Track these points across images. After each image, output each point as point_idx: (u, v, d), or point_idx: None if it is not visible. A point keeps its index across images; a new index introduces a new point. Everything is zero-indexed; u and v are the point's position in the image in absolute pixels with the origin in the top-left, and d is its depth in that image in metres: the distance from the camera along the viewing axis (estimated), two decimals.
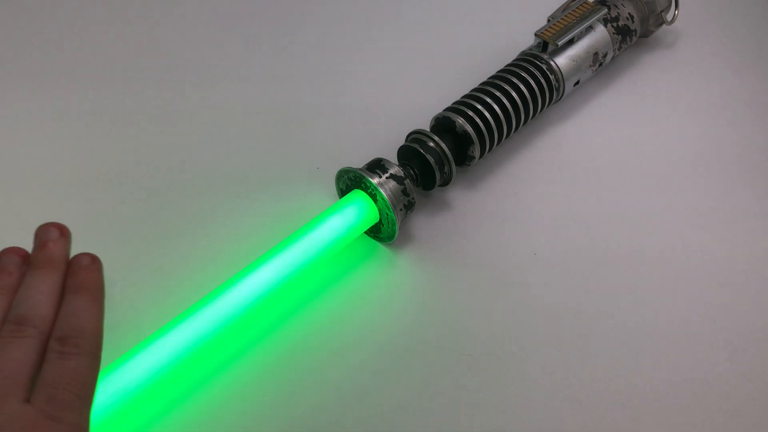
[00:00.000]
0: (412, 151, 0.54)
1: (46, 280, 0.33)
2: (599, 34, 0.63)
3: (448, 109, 0.57)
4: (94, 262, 0.35)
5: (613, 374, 0.47)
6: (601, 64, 0.65)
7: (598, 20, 0.63)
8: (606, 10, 0.63)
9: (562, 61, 0.61)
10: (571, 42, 0.62)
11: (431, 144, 0.54)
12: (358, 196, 0.52)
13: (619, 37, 0.65)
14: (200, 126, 0.64)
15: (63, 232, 0.35)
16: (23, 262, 0.35)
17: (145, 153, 0.61)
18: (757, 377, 0.47)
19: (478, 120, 0.55)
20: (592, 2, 0.63)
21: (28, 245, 0.54)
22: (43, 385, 0.30)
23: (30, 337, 0.31)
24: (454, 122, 0.56)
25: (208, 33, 0.73)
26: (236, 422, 0.45)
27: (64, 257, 0.35)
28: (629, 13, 0.66)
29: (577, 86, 0.64)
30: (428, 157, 0.54)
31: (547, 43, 0.60)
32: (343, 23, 0.75)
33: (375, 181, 0.51)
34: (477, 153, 0.56)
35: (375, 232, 0.55)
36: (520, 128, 0.60)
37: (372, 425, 0.45)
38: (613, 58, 0.66)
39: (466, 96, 0.58)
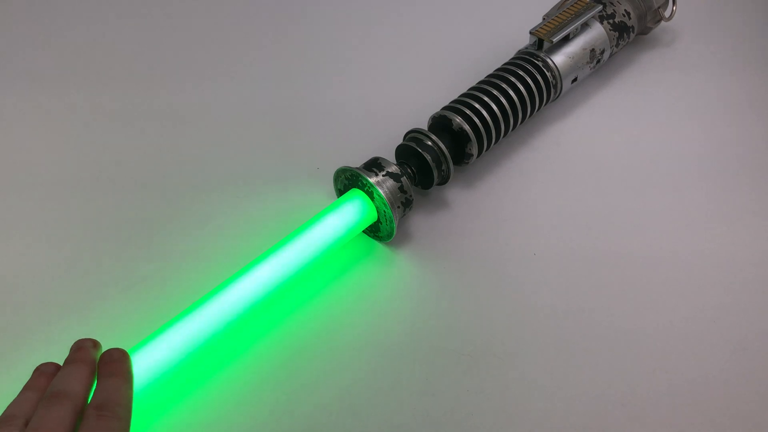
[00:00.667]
0: (410, 150, 0.54)
1: (78, 372, 0.38)
2: (596, 31, 0.63)
3: (445, 107, 0.57)
4: (123, 355, 0.40)
5: (613, 374, 0.47)
6: (598, 62, 0.64)
7: (594, 17, 0.63)
8: (601, 7, 0.63)
9: (558, 58, 0.61)
10: (567, 39, 0.61)
11: (429, 143, 0.54)
12: (355, 194, 0.52)
13: (616, 34, 0.65)
14: (200, 126, 0.64)
15: (95, 344, 0.41)
16: (58, 370, 0.39)
17: (145, 153, 0.61)
18: (757, 377, 0.47)
19: (475, 118, 0.55)
20: (588, 0, 0.63)
21: (29, 245, 0.54)
22: None
23: (64, 405, 0.35)
24: (451, 121, 0.55)
25: (208, 33, 0.73)
26: (235, 422, 0.45)
27: (95, 359, 0.40)
28: (625, 10, 0.66)
29: (575, 83, 0.64)
30: (426, 155, 0.53)
31: (542, 41, 0.60)
32: (342, 23, 0.75)
33: (372, 179, 0.50)
34: (475, 151, 0.56)
35: (373, 230, 0.54)
36: (518, 126, 0.60)
37: (372, 425, 0.44)
38: (611, 55, 0.66)
39: (463, 95, 0.58)
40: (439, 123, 0.57)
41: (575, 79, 0.63)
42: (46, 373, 0.39)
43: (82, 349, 0.40)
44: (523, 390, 0.46)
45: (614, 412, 0.45)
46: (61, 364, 0.40)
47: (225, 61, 0.70)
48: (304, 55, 0.71)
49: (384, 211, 0.51)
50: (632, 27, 0.67)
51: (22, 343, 0.48)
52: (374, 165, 0.52)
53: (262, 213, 0.56)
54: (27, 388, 0.38)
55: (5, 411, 0.36)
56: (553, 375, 0.47)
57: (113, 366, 0.39)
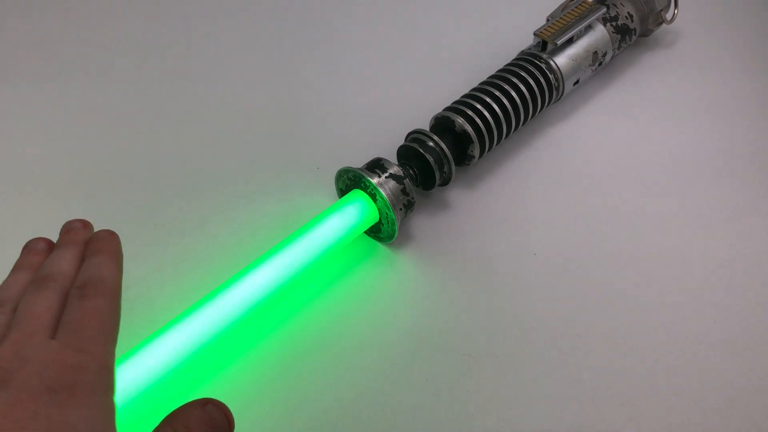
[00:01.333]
0: (412, 151, 0.54)
1: (68, 253, 0.36)
2: (598, 34, 0.63)
3: (447, 108, 0.57)
4: (111, 234, 0.38)
5: (613, 374, 0.47)
6: (600, 64, 0.65)
7: (597, 19, 0.63)
8: (605, 10, 0.63)
9: (561, 60, 0.61)
10: (570, 41, 0.62)
11: (431, 143, 0.54)
12: (357, 195, 0.52)
13: (619, 36, 0.65)
14: (200, 126, 0.64)
15: (86, 224, 0.38)
16: (49, 247, 0.37)
17: (145, 153, 0.61)
18: (757, 377, 0.47)
19: (477, 119, 0.55)
20: (591, 1, 0.63)
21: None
22: (65, 323, 0.31)
23: (52, 289, 0.32)
24: (453, 122, 0.55)
25: (208, 33, 0.73)
26: (235, 423, 0.45)
27: (85, 240, 0.37)
28: (628, 12, 0.66)
29: (576, 85, 0.64)
30: (428, 156, 0.53)
31: (546, 43, 0.60)
32: (343, 23, 0.75)
33: (374, 180, 0.51)
34: (477, 152, 0.56)
35: (375, 231, 0.55)
36: (519, 128, 0.60)
37: (372, 425, 0.45)
38: (612, 57, 0.66)
39: (465, 96, 0.58)
40: (441, 124, 0.57)
41: (577, 81, 0.63)
42: (35, 249, 0.37)
43: (72, 230, 0.38)
44: (523, 390, 0.46)
45: (614, 412, 0.45)
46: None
47: (226, 61, 0.70)
48: (305, 55, 0.71)
49: (386, 213, 0.51)
50: (634, 29, 0.67)
51: None
52: (376, 166, 0.52)
53: (262, 213, 0.56)
54: (16, 267, 0.36)
55: None
56: (553, 375, 0.47)
57: (99, 244, 0.37)
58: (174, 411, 0.33)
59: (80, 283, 0.33)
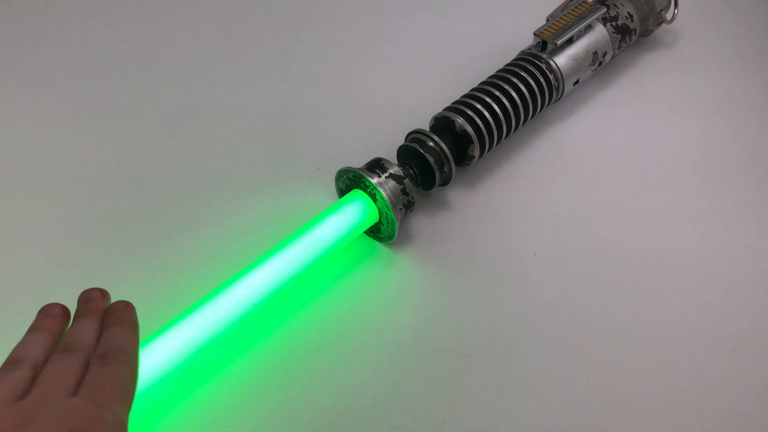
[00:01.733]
0: (412, 151, 0.54)
1: (89, 323, 0.38)
2: (598, 34, 0.63)
3: (447, 108, 0.57)
4: (128, 306, 0.40)
5: (614, 374, 0.47)
6: (600, 64, 0.65)
7: (597, 19, 0.63)
8: (605, 10, 0.63)
9: (561, 60, 0.61)
10: (570, 41, 0.62)
11: (431, 143, 0.54)
12: (357, 195, 0.52)
13: (619, 36, 0.65)
14: (200, 126, 0.64)
15: (104, 294, 0.40)
16: (64, 313, 0.39)
17: (145, 153, 0.61)
18: (757, 377, 0.47)
19: (477, 119, 0.55)
20: (591, 1, 0.63)
21: (29, 245, 0.54)
22: (87, 384, 0.33)
23: (75, 356, 0.35)
24: (453, 122, 0.55)
25: (208, 33, 0.73)
26: (234, 423, 0.45)
27: (104, 309, 0.40)
28: (628, 12, 0.66)
29: (576, 85, 0.64)
30: (428, 156, 0.53)
31: (546, 43, 0.60)
32: (343, 24, 0.75)
33: (374, 180, 0.51)
34: (477, 152, 0.56)
35: (375, 231, 0.55)
36: (519, 128, 0.60)
37: (372, 425, 0.45)
38: (612, 57, 0.66)
39: (465, 96, 0.58)
40: (441, 124, 0.57)
41: (577, 81, 0.63)
42: (51, 314, 0.39)
43: (92, 300, 0.40)
44: (523, 390, 0.46)
45: (614, 412, 0.45)
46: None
47: (225, 61, 0.70)
48: (305, 55, 0.71)
49: (386, 213, 0.51)
50: (634, 29, 0.67)
51: None
52: (376, 166, 0.52)
53: (262, 213, 0.56)
54: (32, 329, 0.38)
55: (12, 352, 0.36)
56: (553, 375, 0.47)
57: (117, 315, 0.39)
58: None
59: (101, 352, 0.36)
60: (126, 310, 0.39)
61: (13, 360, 0.35)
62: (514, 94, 0.57)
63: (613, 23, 0.64)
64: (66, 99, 0.66)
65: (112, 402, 0.33)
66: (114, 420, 0.32)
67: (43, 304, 0.49)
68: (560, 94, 0.62)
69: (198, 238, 0.55)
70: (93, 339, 0.37)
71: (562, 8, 0.63)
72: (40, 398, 0.32)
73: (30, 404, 0.32)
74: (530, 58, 0.60)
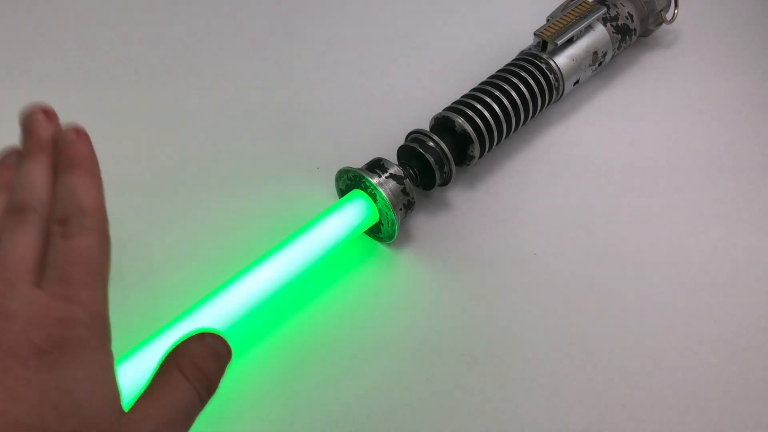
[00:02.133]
0: (412, 151, 0.54)
1: (38, 166, 0.31)
2: (599, 34, 0.63)
3: (447, 108, 0.57)
4: (80, 135, 0.32)
5: (613, 374, 0.47)
6: (600, 64, 0.65)
7: (598, 19, 0.63)
8: (605, 10, 0.63)
9: (561, 60, 0.61)
10: (570, 41, 0.62)
11: (431, 143, 0.54)
12: (357, 195, 0.52)
13: (619, 37, 0.65)
14: (200, 126, 0.64)
15: (49, 115, 0.33)
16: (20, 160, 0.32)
17: (145, 153, 0.61)
18: (757, 377, 0.47)
19: (477, 119, 0.55)
20: (592, 1, 0.63)
21: None
22: (51, 268, 0.28)
23: (31, 222, 0.29)
24: (453, 122, 0.55)
25: (208, 33, 0.73)
26: (234, 424, 0.45)
27: (52, 140, 0.32)
28: (628, 12, 0.66)
29: (576, 86, 0.64)
30: (428, 156, 0.53)
31: (546, 43, 0.60)
32: (343, 23, 0.75)
33: (375, 180, 0.51)
34: (477, 153, 0.56)
35: (375, 232, 0.55)
36: (519, 128, 0.60)
37: (372, 425, 0.45)
38: (612, 57, 0.66)
39: (465, 96, 0.58)
40: (441, 124, 0.57)
41: (577, 81, 0.63)
42: (7, 164, 0.32)
43: (36, 128, 0.32)
44: (523, 390, 0.46)
45: (614, 412, 0.45)
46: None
47: (225, 61, 0.70)
48: (305, 55, 0.71)
49: (386, 213, 0.51)
50: (634, 29, 0.67)
51: None
52: (376, 166, 0.52)
53: (262, 213, 0.56)
54: None
55: None
56: (553, 375, 0.47)
57: (71, 151, 0.31)
58: (173, 350, 0.30)
59: (61, 216, 0.29)
60: (79, 143, 0.32)
61: None
62: (514, 94, 0.57)
63: (613, 23, 0.65)
64: (65, 99, 0.66)
65: (82, 289, 0.27)
66: (88, 315, 0.27)
67: None
68: (560, 94, 0.62)
69: (197, 237, 0.55)
70: (45, 189, 0.30)
71: (562, 8, 0.63)
72: (1, 298, 0.26)
73: None
74: (530, 58, 0.60)
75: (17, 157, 0.32)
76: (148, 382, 0.29)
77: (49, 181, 0.31)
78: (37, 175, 0.31)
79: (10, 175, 0.32)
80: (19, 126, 0.33)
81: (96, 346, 0.27)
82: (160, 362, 0.30)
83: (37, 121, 0.32)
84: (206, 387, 0.30)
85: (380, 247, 0.55)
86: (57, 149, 0.32)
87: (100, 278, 0.28)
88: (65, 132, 0.32)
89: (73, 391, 0.25)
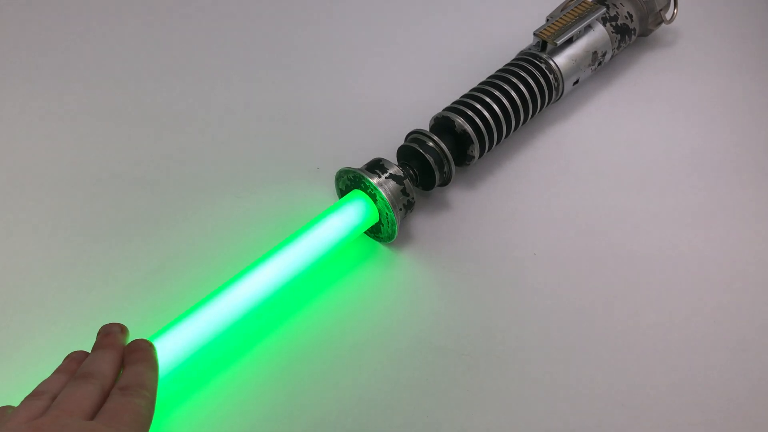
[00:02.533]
0: (412, 151, 0.54)
1: (108, 355, 0.39)
2: (598, 33, 0.63)
3: (447, 108, 0.57)
4: (150, 345, 0.41)
5: (613, 374, 0.47)
6: (600, 63, 0.65)
7: (597, 19, 0.63)
8: (605, 10, 0.63)
9: (561, 60, 0.61)
10: (570, 41, 0.62)
11: (431, 144, 0.54)
12: (357, 196, 0.52)
13: (618, 36, 0.65)
14: (200, 126, 0.64)
15: (123, 329, 0.42)
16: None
17: (145, 153, 0.61)
18: (757, 377, 0.47)
19: (477, 120, 0.55)
20: (591, 1, 0.63)
21: (29, 245, 0.54)
22: (104, 411, 0.34)
23: (92, 384, 0.36)
24: (453, 122, 0.55)
25: (208, 33, 0.73)
26: (234, 423, 0.45)
27: (122, 344, 0.41)
28: (628, 12, 0.66)
29: (576, 85, 0.64)
30: (428, 156, 0.53)
31: (546, 43, 0.60)
32: (344, 24, 0.75)
33: (374, 181, 0.51)
34: (476, 153, 0.56)
35: (375, 232, 0.55)
36: (519, 128, 0.60)
37: (372, 425, 0.45)
38: (612, 57, 0.66)
39: (465, 96, 0.58)
40: (441, 124, 0.57)
41: (577, 81, 0.63)
42: (77, 359, 0.40)
43: (111, 334, 0.41)
44: (523, 390, 0.46)
45: (614, 412, 0.45)
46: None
47: (226, 61, 0.70)
48: (305, 55, 0.71)
49: (386, 213, 0.51)
50: (634, 29, 0.67)
51: (23, 343, 0.48)
52: (376, 166, 0.52)
53: (262, 213, 0.56)
54: (58, 371, 0.39)
55: (36, 388, 0.37)
56: (553, 375, 0.47)
57: (140, 353, 0.40)
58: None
59: (123, 384, 0.37)
60: (149, 350, 0.41)
61: (34, 393, 0.36)
62: (514, 94, 0.57)
63: (613, 23, 0.65)
64: (65, 99, 0.66)
65: (128, 428, 0.34)
66: None
67: (42, 304, 0.50)
68: (560, 94, 0.62)
69: (198, 238, 0.55)
70: (111, 370, 0.38)
71: (562, 8, 0.63)
72: (56, 418, 0.33)
73: (46, 422, 0.32)
74: (530, 58, 0.60)
75: (85, 355, 0.40)
76: None
77: (114, 366, 0.39)
78: (104, 358, 0.39)
79: (77, 366, 0.39)
80: (97, 334, 0.41)
81: None
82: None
83: (112, 330, 0.41)
84: None
85: (380, 247, 0.55)
86: (128, 349, 0.40)
87: (143, 429, 0.35)
88: (138, 341, 0.41)
89: None
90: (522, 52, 0.63)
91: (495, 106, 0.56)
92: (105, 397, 0.36)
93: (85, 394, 0.35)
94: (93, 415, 0.34)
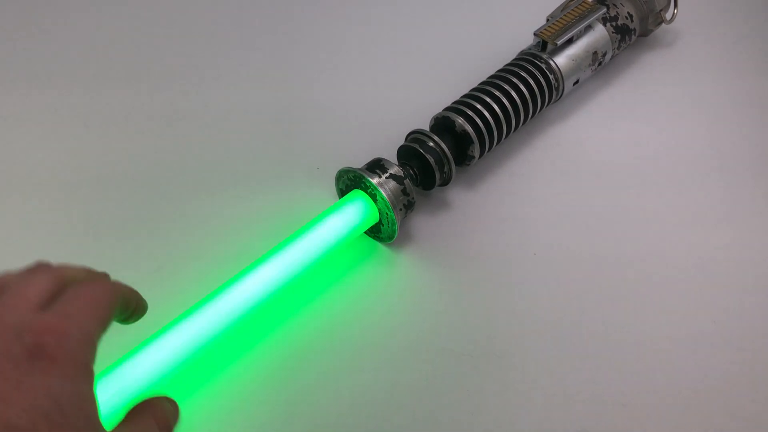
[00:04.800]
0: (412, 151, 0.54)
1: (78, 267, 0.33)
2: (598, 34, 0.63)
3: (447, 108, 0.57)
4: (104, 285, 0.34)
5: (614, 374, 0.47)
6: (600, 64, 0.65)
7: (597, 19, 0.63)
8: (605, 10, 0.63)
9: (561, 60, 0.61)
10: (570, 41, 0.62)
11: (431, 144, 0.54)
12: (357, 196, 0.52)
13: (618, 36, 0.65)
14: (200, 126, 0.64)
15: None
16: None
17: (145, 153, 0.61)
18: (757, 377, 0.47)
19: (477, 120, 0.55)
20: (591, 2, 0.63)
21: (28, 244, 0.54)
22: (57, 301, 0.29)
23: (47, 274, 0.30)
24: (453, 122, 0.55)
25: (207, 33, 0.73)
26: (234, 423, 0.45)
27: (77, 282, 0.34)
28: (628, 12, 0.66)
29: (576, 85, 0.64)
30: (428, 156, 0.53)
31: (546, 43, 0.60)
32: (343, 23, 0.75)
33: (375, 181, 0.51)
34: (477, 153, 0.56)
35: (375, 232, 0.55)
36: (519, 128, 0.60)
37: (371, 425, 0.45)
38: (612, 57, 0.66)
39: (465, 96, 0.58)
40: (441, 124, 0.57)
41: (577, 81, 0.63)
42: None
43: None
44: (523, 390, 0.46)
45: (614, 413, 0.45)
46: None
47: (225, 61, 0.70)
48: (305, 55, 0.71)
49: (386, 213, 0.51)
50: (634, 29, 0.67)
51: None
52: (377, 166, 0.52)
53: (262, 213, 0.56)
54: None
55: None
56: (553, 375, 0.47)
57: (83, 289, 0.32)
58: (147, 401, 0.32)
59: (83, 277, 0.31)
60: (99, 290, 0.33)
61: None
62: (514, 94, 0.57)
63: (613, 23, 0.65)
64: (65, 99, 0.66)
65: (81, 314, 0.28)
66: (81, 333, 0.27)
67: None
68: (560, 94, 0.62)
69: (198, 238, 0.55)
70: (76, 272, 0.32)
71: (562, 8, 0.63)
72: (2, 310, 0.27)
73: None
74: (530, 58, 0.60)
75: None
76: (122, 418, 0.31)
77: (81, 272, 0.32)
78: (72, 266, 0.32)
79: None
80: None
81: (84, 363, 0.27)
82: (129, 407, 0.32)
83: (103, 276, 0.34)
84: None
85: (380, 247, 0.55)
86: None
87: (99, 313, 0.29)
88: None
89: (61, 403, 0.25)
90: (522, 52, 0.63)
91: (495, 106, 0.56)
92: (61, 288, 0.30)
93: (37, 285, 0.29)
94: (46, 303, 0.28)
